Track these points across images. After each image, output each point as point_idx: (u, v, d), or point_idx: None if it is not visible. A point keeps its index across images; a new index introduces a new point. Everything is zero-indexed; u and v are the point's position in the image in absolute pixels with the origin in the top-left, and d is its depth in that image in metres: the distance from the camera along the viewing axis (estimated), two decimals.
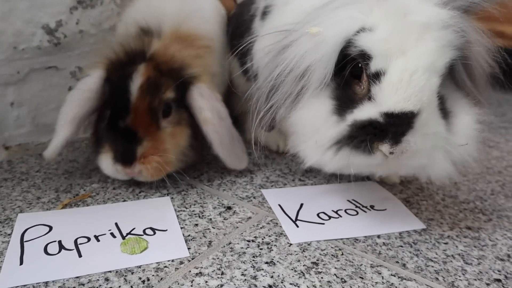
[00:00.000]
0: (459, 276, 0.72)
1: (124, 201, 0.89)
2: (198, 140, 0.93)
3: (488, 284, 0.71)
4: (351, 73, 0.73)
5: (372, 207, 0.91)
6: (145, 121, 0.85)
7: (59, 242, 0.73)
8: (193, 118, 0.91)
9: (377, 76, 0.69)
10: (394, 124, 0.68)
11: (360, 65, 0.72)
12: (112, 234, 0.76)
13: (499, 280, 0.72)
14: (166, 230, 0.78)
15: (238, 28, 1.12)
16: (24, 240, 0.73)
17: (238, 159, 0.97)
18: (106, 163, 0.87)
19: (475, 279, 0.72)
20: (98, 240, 0.74)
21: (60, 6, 1.06)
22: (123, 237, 0.75)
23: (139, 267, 0.69)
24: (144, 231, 0.77)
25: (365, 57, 0.70)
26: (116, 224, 0.79)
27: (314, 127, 0.74)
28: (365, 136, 0.69)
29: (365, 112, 0.70)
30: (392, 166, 0.75)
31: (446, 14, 0.69)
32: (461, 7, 0.72)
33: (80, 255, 0.70)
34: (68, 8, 1.08)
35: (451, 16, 0.69)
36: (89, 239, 0.74)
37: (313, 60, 0.72)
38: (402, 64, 0.68)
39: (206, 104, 0.90)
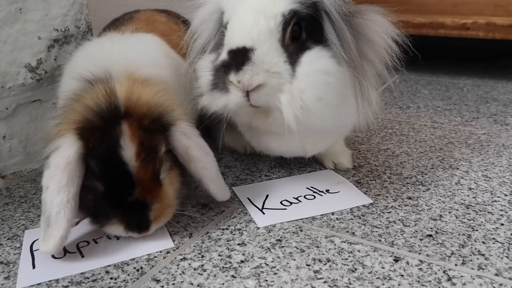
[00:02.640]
0: (398, 237, 0.88)
1: None
2: (185, 177, 0.94)
3: (421, 239, 0.86)
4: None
5: (327, 191, 1.06)
6: (151, 188, 0.82)
7: (63, 247, 0.86)
8: (175, 157, 0.90)
9: (226, 26, 0.89)
10: (234, 57, 0.85)
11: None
12: (107, 236, 0.89)
13: (430, 236, 0.88)
14: None
15: None
16: (33, 250, 0.86)
17: (224, 190, 0.98)
18: (116, 231, 0.84)
19: (411, 237, 0.87)
20: (96, 242, 0.88)
21: (39, 46, 1.20)
22: (117, 238, 0.89)
23: (133, 259, 0.83)
24: None
25: (222, 13, 0.91)
26: None
27: (200, 76, 0.95)
28: (220, 75, 0.88)
29: (220, 56, 0.89)
30: (253, 107, 0.88)
31: None
32: None
33: (82, 256, 0.84)
34: (46, 47, 1.21)
35: None
36: (88, 242, 0.88)
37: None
38: (240, 12, 0.86)
39: (191, 142, 0.88)
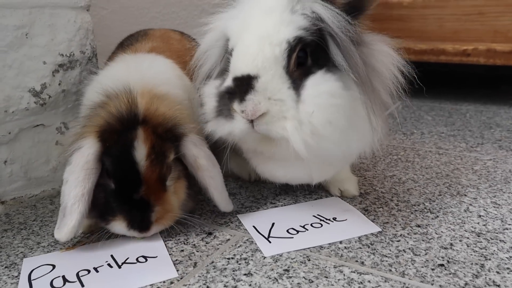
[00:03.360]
0: (409, 266, 0.85)
1: (118, 238, 1.00)
2: (192, 189, 1.00)
3: (433, 269, 0.84)
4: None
5: (334, 219, 1.04)
6: (156, 190, 0.89)
7: (63, 276, 0.83)
8: (185, 169, 0.97)
9: (231, 52, 0.88)
10: (239, 85, 0.84)
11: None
12: (109, 264, 0.87)
13: (442, 265, 0.85)
14: (156, 256, 0.90)
15: None
16: (31, 279, 0.83)
17: (228, 202, 1.04)
18: (120, 228, 0.91)
19: (422, 267, 0.85)
20: (97, 271, 0.85)
21: (43, 71, 1.20)
22: (119, 266, 0.86)
23: None
24: (137, 259, 0.89)
25: (228, 39, 0.90)
26: (111, 255, 0.90)
27: (205, 103, 0.95)
28: (225, 101, 0.87)
29: (225, 83, 0.88)
30: (259, 133, 0.87)
31: (291, 4, 0.85)
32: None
33: (82, 285, 0.81)
34: (51, 72, 1.21)
35: (298, 5, 0.85)
36: (89, 271, 0.85)
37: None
38: (245, 39, 0.85)
39: (200, 152, 0.95)
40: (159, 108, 0.92)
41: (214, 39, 0.98)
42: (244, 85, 0.83)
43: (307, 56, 0.87)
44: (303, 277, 0.83)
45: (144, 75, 1.01)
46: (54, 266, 0.87)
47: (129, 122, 0.89)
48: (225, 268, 0.86)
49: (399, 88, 0.94)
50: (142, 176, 0.88)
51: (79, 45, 1.28)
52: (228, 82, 0.87)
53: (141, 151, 0.88)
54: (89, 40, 1.31)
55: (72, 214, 0.86)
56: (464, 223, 1.01)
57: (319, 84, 0.85)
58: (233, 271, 0.86)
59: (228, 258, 0.90)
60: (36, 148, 1.24)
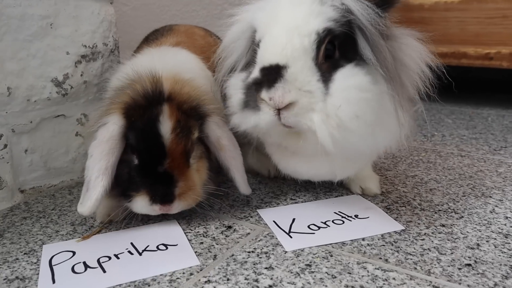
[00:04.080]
0: (435, 265, 0.83)
1: (135, 227, 0.99)
2: (213, 172, 1.01)
3: (460, 269, 0.81)
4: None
5: (356, 216, 1.02)
6: (180, 164, 0.90)
7: (84, 262, 0.83)
8: (207, 151, 0.99)
9: (258, 44, 0.87)
10: (267, 74, 0.82)
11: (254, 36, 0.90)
12: (129, 251, 0.86)
13: (469, 265, 0.82)
14: (177, 244, 0.89)
15: None
16: (52, 264, 0.83)
17: (247, 184, 1.06)
18: (141, 205, 0.90)
19: (449, 266, 0.82)
20: (118, 258, 0.84)
21: (66, 61, 1.20)
22: (140, 253, 0.85)
23: (155, 280, 0.79)
24: (157, 247, 0.88)
25: (254, 30, 0.89)
26: (131, 243, 0.89)
27: (231, 95, 0.93)
28: (252, 93, 0.85)
29: (252, 74, 0.87)
30: (285, 127, 0.86)
31: None
32: None
33: (104, 271, 0.80)
34: (74, 63, 1.22)
35: None
36: (109, 257, 0.85)
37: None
38: (274, 30, 0.84)
39: (223, 133, 0.98)
40: (184, 88, 0.94)
41: (240, 30, 0.97)
42: (272, 74, 0.82)
43: (335, 48, 0.86)
44: (326, 272, 0.81)
45: (168, 64, 1.02)
46: (74, 253, 0.87)
47: (154, 98, 0.90)
48: (246, 261, 0.85)
49: (427, 84, 0.92)
50: (167, 149, 0.89)
51: (102, 37, 1.28)
52: (256, 73, 0.86)
53: (166, 125, 0.89)
54: (112, 33, 1.32)
55: (96, 188, 0.87)
56: (491, 224, 0.98)
57: (347, 77, 0.83)
58: (254, 264, 0.84)
59: (249, 252, 0.88)
60: (57, 138, 1.24)
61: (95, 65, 1.27)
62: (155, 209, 0.91)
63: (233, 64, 1.00)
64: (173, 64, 1.03)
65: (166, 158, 0.89)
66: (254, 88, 0.86)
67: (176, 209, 0.92)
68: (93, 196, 0.87)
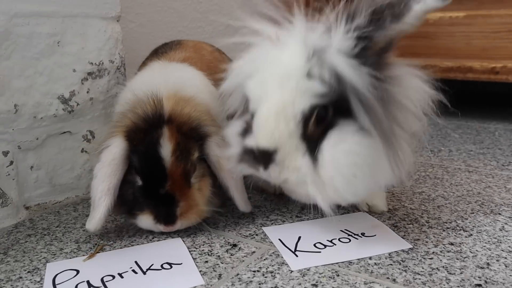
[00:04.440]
0: (444, 285, 0.81)
1: (139, 245, 0.99)
2: (216, 187, 1.03)
3: None
4: None
5: (363, 234, 1.00)
6: (181, 185, 0.94)
7: (88, 281, 0.82)
8: (210, 168, 1.01)
9: (253, 116, 0.87)
10: (261, 156, 0.85)
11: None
12: (133, 270, 0.85)
13: (479, 285, 0.81)
14: (181, 263, 0.88)
15: None
16: (56, 283, 0.82)
17: (247, 202, 1.07)
18: (147, 223, 0.96)
19: (458, 286, 0.80)
20: (122, 277, 0.83)
21: (73, 78, 1.21)
22: (144, 272, 0.84)
23: None
24: (162, 265, 0.87)
25: (247, 98, 0.89)
26: (136, 262, 0.88)
27: (230, 144, 0.95)
28: (250, 157, 0.88)
29: (250, 141, 0.87)
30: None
31: (308, 66, 0.80)
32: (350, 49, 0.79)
33: None
34: (80, 80, 1.22)
35: (316, 67, 0.80)
36: (113, 276, 0.84)
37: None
38: (263, 109, 0.84)
39: (222, 153, 0.98)
40: (184, 109, 0.97)
41: (234, 86, 0.96)
42: (266, 157, 0.85)
43: (327, 110, 0.83)
44: None
45: (173, 81, 1.04)
46: (78, 271, 0.86)
47: (154, 121, 0.94)
48: (251, 281, 0.84)
49: (432, 114, 0.91)
50: (168, 171, 0.92)
51: (109, 54, 1.29)
52: (253, 145, 0.86)
53: (166, 148, 0.92)
54: (118, 50, 1.33)
55: (99, 207, 0.91)
56: (501, 242, 0.96)
57: (336, 145, 0.82)
58: (259, 284, 0.83)
59: (254, 271, 0.87)
60: (62, 155, 1.25)
61: (101, 82, 1.28)
62: (159, 228, 0.96)
63: (231, 113, 1.01)
64: (178, 82, 1.05)
65: (167, 181, 0.92)
66: (252, 157, 0.87)
67: (179, 226, 0.97)
68: (96, 216, 0.92)
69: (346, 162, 0.81)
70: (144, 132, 0.94)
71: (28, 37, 1.12)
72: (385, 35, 0.80)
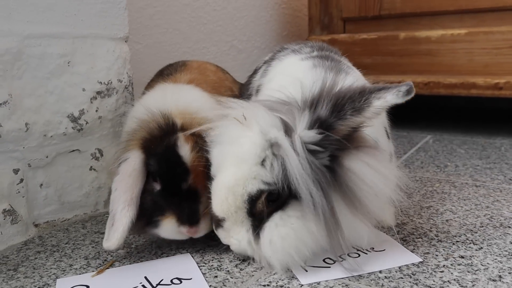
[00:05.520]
0: None
1: (148, 260, 0.99)
2: None
3: None
4: None
5: (372, 249, 1.00)
6: (203, 178, 0.94)
7: None
8: None
9: (211, 179, 0.92)
10: (215, 218, 0.91)
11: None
12: (143, 285, 0.85)
13: None
14: (191, 278, 0.88)
15: None
16: None
17: None
18: (169, 228, 0.94)
19: None
20: None
21: (82, 98, 1.23)
22: (153, 287, 0.84)
23: None
24: (171, 281, 0.87)
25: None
26: (145, 277, 0.89)
27: None
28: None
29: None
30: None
31: (263, 156, 0.84)
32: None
33: None
34: (89, 99, 1.25)
35: (269, 159, 0.83)
36: None
37: None
38: (218, 180, 0.89)
39: None
40: (195, 119, 1.00)
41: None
42: (216, 220, 0.91)
43: (279, 193, 0.85)
44: None
45: (180, 100, 1.07)
46: (88, 287, 0.86)
47: (169, 129, 0.97)
48: None
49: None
50: (189, 165, 0.93)
51: (117, 74, 1.32)
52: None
53: (185, 147, 0.94)
54: (126, 69, 1.35)
55: (122, 219, 0.90)
56: None
57: (276, 227, 0.86)
58: None
59: (264, 285, 0.87)
60: (71, 173, 1.26)
61: (110, 101, 1.30)
62: (182, 232, 0.94)
63: None
64: (185, 101, 1.07)
65: (190, 174, 0.93)
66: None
67: (202, 230, 0.96)
68: (119, 228, 0.90)
69: (282, 246, 0.85)
70: (160, 139, 0.96)
71: (39, 57, 1.15)
72: (346, 125, 0.84)
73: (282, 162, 0.83)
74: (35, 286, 0.90)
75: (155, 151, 0.95)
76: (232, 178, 0.86)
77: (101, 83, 1.28)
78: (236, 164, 0.86)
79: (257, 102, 0.95)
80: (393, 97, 0.80)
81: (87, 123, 1.25)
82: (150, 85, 1.36)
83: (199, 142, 0.95)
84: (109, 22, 1.30)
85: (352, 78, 1.04)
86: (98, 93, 1.27)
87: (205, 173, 0.94)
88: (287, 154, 0.82)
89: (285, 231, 0.85)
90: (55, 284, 0.90)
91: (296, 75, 1.00)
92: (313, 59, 1.10)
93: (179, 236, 0.95)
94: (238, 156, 0.86)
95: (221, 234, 0.93)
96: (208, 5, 2.28)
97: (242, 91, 1.39)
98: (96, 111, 1.27)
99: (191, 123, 0.99)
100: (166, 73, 1.36)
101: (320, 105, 0.84)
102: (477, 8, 2.11)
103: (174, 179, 0.94)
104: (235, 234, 0.90)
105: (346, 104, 0.82)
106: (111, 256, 1.02)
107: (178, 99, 1.09)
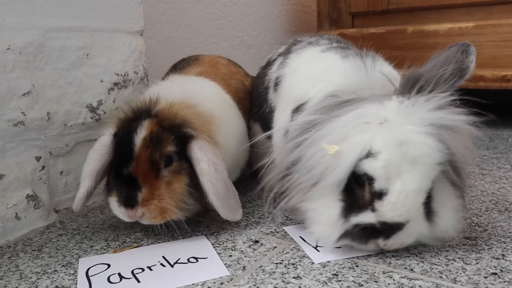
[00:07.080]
0: (460, 274, 0.84)
1: (165, 242, 1.03)
2: (198, 190, 1.00)
3: (486, 277, 0.82)
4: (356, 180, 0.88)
5: None
6: (145, 170, 0.95)
7: (119, 274, 0.87)
8: (193, 169, 1.00)
9: (380, 194, 0.85)
10: (388, 229, 0.86)
11: (363, 179, 0.87)
12: (161, 264, 0.90)
13: (495, 274, 0.83)
14: (207, 257, 0.93)
15: (256, 99, 1.36)
16: (89, 275, 0.88)
17: (232, 211, 1.02)
18: (113, 206, 0.99)
19: (474, 275, 0.83)
20: (151, 270, 0.88)
21: (100, 89, 1.28)
22: (171, 265, 0.89)
23: None
24: (188, 259, 0.92)
25: (368, 177, 0.86)
26: (163, 256, 0.94)
27: (323, 224, 0.91)
28: (363, 233, 0.87)
29: (367, 218, 0.86)
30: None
31: (433, 144, 0.84)
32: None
33: (138, 281, 0.84)
34: (107, 90, 1.30)
35: (437, 142, 0.84)
36: (143, 269, 0.89)
37: (328, 173, 0.87)
38: (399, 186, 0.83)
39: (204, 157, 0.99)
40: (173, 108, 1.03)
41: (342, 170, 0.88)
42: (394, 230, 0.87)
43: None
44: (352, 281, 0.83)
45: (182, 89, 1.11)
46: (109, 265, 0.91)
47: (141, 113, 1.02)
48: (274, 272, 0.88)
49: None
50: (134, 154, 0.97)
51: (133, 66, 1.37)
52: (374, 221, 0.86)
53: (139, 135, 0.98)
54: (141, 62, 1.40)
55: (81, 188, 1.04)
56: None
57: (448, 202, 0.93)
58: (282, 274, 0.87)
59: (277, 263, 0.91)
60: None
61: (126, 92, 1.35)
62: (122, 212, 0.97)
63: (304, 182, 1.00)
64: (188, 90, 1.11)
65: (132, 161, 0.96)
66: (369, 231, 0.89)
67: (142, 217, 0.96)
68: (78, 195, 1.04)
69: (457, 217, 0.92)
70: (129, 121, 1.02)
71: (60, 50, 1.20)
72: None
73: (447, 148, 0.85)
74: (60, 264, 0.95)
75: (118, 133, 1.02)
76: (417, 176, 0.84)
77: (118, 74, 1.33)
78: (413, 160, 0.84)
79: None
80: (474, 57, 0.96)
81: (104, 113, 1.30)
82: (163, 79, 1.40)
83: (156, 131, 0.97)
84: (125, 16, 1.35)
85: (386, 65, 1.08)
86: (115, 84, 1.32)
87: (149, 163, 0.95)
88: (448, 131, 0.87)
89: (455, 204, 0.93)
90: (78, 263, 0.95)
91: (329, 64, 1.05)
92: (335, 49, 1.14)
93: (122, 216, 0.98)
94: (412, 152, 0.84)
95: (399, 237, 0.87)
96: (219, 1, 2.33)
97: (256, 83, 1.43)
98: (113, 101, 1.33)
99: (168, 110, 1.02)
100: (179, 67, 1.41)
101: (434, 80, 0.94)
102: (485, 1, 2.14)
103: (120, 162, 0.99)
104: (419, 229, 0.89)
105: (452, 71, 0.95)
106: (130, 238, 1.07)
107: (184, 89, 1.12)
